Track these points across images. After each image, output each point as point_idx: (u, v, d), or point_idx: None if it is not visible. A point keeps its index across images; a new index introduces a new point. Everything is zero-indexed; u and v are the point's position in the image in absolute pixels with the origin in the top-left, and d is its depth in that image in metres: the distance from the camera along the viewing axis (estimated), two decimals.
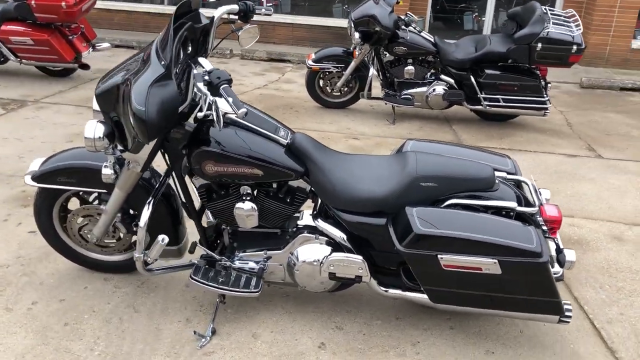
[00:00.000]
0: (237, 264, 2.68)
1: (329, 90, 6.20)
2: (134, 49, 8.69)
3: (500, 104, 5.68)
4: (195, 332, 2.61)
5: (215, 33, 2.68)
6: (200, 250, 2.75)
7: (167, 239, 2.53)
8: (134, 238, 2.87)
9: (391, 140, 5.40)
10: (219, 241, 2.82)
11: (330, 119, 5.93)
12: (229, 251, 2.73)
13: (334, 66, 5.97)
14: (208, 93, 2.16)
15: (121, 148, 2.47)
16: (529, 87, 5.60)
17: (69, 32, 6.51)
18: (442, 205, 2.48)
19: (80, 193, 2.85)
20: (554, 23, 5.42)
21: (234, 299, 2.82)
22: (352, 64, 5.86)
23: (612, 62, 8.94)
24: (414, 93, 5.84)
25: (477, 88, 5.65)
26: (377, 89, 6.08)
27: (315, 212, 2.67)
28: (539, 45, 5.39)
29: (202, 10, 2.69)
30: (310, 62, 5.97)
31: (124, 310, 2.77)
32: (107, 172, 2.48)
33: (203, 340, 2.58)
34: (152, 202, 2.53)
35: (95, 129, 2.34)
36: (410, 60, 5.85)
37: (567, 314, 2.45)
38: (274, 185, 2.59)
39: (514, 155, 5.03)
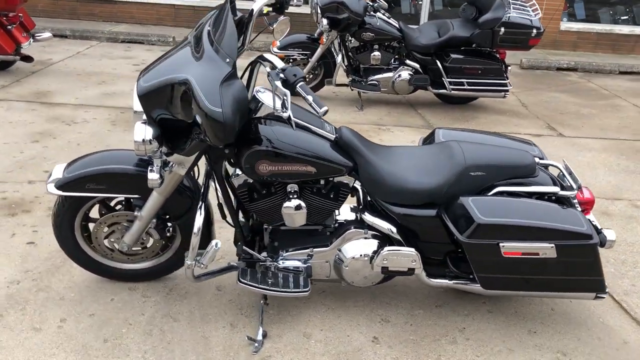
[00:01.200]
0: (282, 263, 2.61)
1: None
2: (68, 39, 8.18)
3: (465, 87, 5.84)
4: (248, 337, 2.53)
5: (253, 26, 2.57)
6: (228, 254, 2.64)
7: (220, 244, 2.42)
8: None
9: (365, 126, 5.42)
10: (255, 241, 2.73)
11: None
12: (270, 251, 2.66)
13: (300, 53, 5.90)
14: (288, 92, 2.08)
15: (165, 150, 2.33)
16: (491, 70, 5.79)
17: (6, 21, 6.01)
18: (490, 194, 2.53)
19: (105, 200, 2.66)
20: (514, 8, 5.62)
21: (273, 299, 2.75)
22: (319, 51, 5.81)
23: (542, 43, 9.39)
24: (380, 79, 5.88)
25: (442, 72, 5.77)
26: (340, 76, 6.06)
27: (360, 207, 2.64)
28: (502, 29, 5.58)
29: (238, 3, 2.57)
30: (275, 49, 5.85)
31: (161, 320, 2.64)
32: (153, 176, 2.33)
33: (256, 344, 2.51)
34: (202, 206, 2.41)
35: (145, 131, 2.19)
36: (376, 46, 5.88)
37: (606, 290, 2.58)
38: (321, 182, 2.54)
39: None
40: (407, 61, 5.89)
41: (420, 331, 2.68)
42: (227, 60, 2.11)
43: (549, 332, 2.73)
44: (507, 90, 5.89)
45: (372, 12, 5.72)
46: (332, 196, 2.57)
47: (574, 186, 2.62)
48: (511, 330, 2.73)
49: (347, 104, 6.07)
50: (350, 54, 5.96)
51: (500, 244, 2.38)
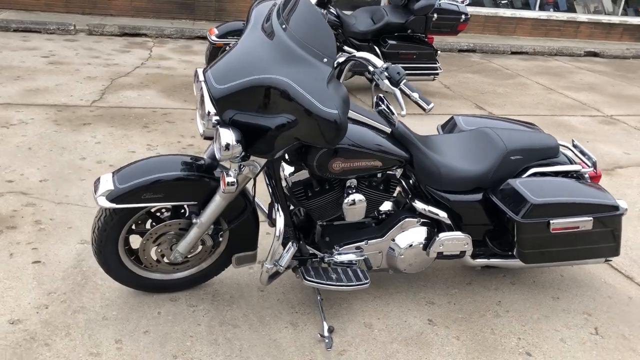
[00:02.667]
0: (338, 258, 2.64)
1: None
2: None
3: None
4: (320, 335, 2.53)
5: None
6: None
7: (296, 245, 2.39)
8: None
9: None
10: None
11: None
12: (324, 247, 2.66)
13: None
14: (396, 90, 2.09)
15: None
16: (425, 54, 6.08)
17: None
18: (526, 175, 2.74)
19: (151, 210, 2.51)
20: None
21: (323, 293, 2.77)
22: None
23: None
24: None
25: (381, 58, 5.96)
26: None
27: (409, 196, 2.73)
28: (435, 15, 5.88)
29: None
30: (213, 37, 5.68)
31: (221, 328, 2.55)
32: (231, 180, 2.23)
33: (326, 340, 2.52)
34: (278, 207, 2.36)
35: (231, 135, 2.10)
36: None
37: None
38: (378, 175, 2.59)
39: (429, 119, 5.48)
40: (345, 47, 5.99)
41: (465, 309, 2.85)
42: (325, 60, 2.08)
43: (568, 296, 3.02)
44: (438, 74, 6.23)
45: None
46: (383, 188, 2.63)
47: (589, 164, 2.91)
48: (538, 298, 2.98)
49: None
50: None
51: (551, 221, 2.60)
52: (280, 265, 2.43)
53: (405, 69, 6.00)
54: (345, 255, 2.65)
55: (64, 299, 2.62)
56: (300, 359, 2.43)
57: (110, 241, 2.45)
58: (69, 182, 3.69)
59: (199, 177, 2.41)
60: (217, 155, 2.17)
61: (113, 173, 2.42)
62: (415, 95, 2.11)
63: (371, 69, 2.20)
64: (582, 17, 10.90)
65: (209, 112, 2.17)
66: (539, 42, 9.78)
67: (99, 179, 2.41)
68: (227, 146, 2.10)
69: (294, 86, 2.02)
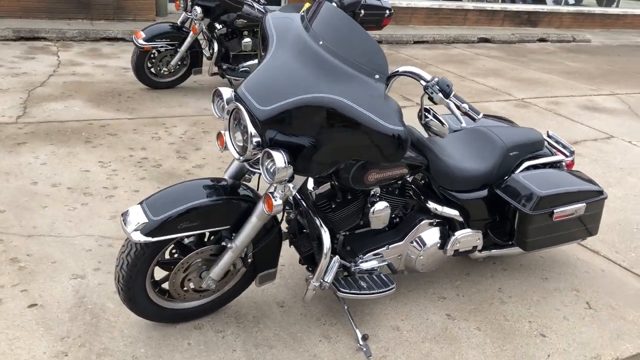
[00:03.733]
0: (363, 266, 2.67)
1: (159, 70, 5.73)
2: None
3: None
4: (360, 345, 2.55)
5: None
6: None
7: (338, 259, 2.39)
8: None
9: None
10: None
11: (174, 101, 5.54)
12: (346, 256, 2.68)
13: (168, 44, 5.54)
14: (450, 102, 2.13)
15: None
16: None
17: None
18: (520, 169, 2.93)
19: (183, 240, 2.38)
20: None
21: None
22: (189, 40, 5.54)
23: None
24: (252, 65, 5.86)
25: None
26: (205, 65, 5.84)
27: (422, 197, 2.80)
28: (362, 11, 6.00)
29: None
30: (140, 41, 5.41)
31: (257, 351, 2.50)
32: (279, 202, 2.18)
33: (364, 349, 2.56)
34: (320, 223, 2.34)
35: (284, 157, 2.05)
36: (246, 33, 5.82)
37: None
38: (399, 182, 2.64)
39: None
40: None
41: (474, 299, 3.00)
42: (377, 76, 2.08)
43: (554, 276, 3.28)
44: None
45: None
46: (399, 193, 2.69)
47: (567, 153, 3.16)
48: (530, 281, 3.21)
49: None
50: (220, 41, 5.79)
51: (555, 210, 2.80)
52: (326, 282, 2.42)
53: None
54: (369, 262, 2.68)
55: (81, 342, 2.42)
56: None
57: (140, 276, 2.30)
58: (29, 210, 3.37)
59: (229, 200, 2.32)
60: (267, 179, 2.11)
61: (141, 205, 2.26)
62: (466, 105, 2.18)
63: (423, 83, 2.23)
64: (469, 5, 11.59)
65: (251, 134, 2.10)
66: (435, 31, 10.27)
67: (127, 212, 2.25)
68: (280, 169, 2.04)
69: (350, 104, 2.01)
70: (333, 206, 2.53)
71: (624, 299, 3.13)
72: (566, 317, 2.93)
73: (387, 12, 6.18)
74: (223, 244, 2.41)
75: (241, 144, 2.24)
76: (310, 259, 2.64)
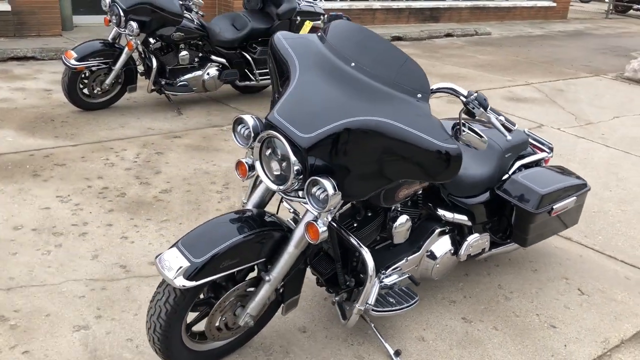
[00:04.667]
0: (387, 281, 2.66)
1: (92, 90, 5.39)
2: None
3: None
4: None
5: None
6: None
7: (378, 280, 2.37)
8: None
9: (208, 130, 5.23)
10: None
11: (114, 122, 5.24)
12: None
13: (102, 62, 5.23)
14: (492, 116, 2.15)
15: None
16: None
17: None
18: (513, 169, 3.05)
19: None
20: None
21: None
22: (124, 57, 5.25)
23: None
24: (190, 78, 5.68)
25: (253, 64, 5.89)
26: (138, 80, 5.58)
27: (431, 206, 2.83)
28: (298, 18, 5.97)
29: None
30: (73, 61, 5.05)
31: None
32: (324, 229, 2.11)
33: None
34: (360, 244, 2.29)
35: (332, 184, 2.00)
36: (182, 46, 5.62)
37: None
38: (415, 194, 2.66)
39: None
40: (214, 57, 5.79)
41: (481, 299, 3.09)
42: (420, 95, 2.07)
43: (541, 266, 3.45)
44: None
45: (186, 11, 5.42)
46: (413, 204, 2.72)
47: (547, 149, 3.33)
48: (523, 274, 3.35)
49: (159, 110, 5.66)
50: (149, 56, 5.53)
51: (554, 206, 2.94)
52: (370, 304, 2.38)
53: (262, 74, 6.03)
54: (391, 277, 2.67)
55: None
56: None
57: (177, 323, 2.15)
58: (0, 260, 3.06)
59: (263, 232, 2.23)
60: (316, 207, 2.05)
61: (177, 247, 2.11)
62: (502, 118, 2.22)
63: (463, 98, 2.24)
64: (376, 4, 11.87)
65: (293, 163, 2.02)
66: None
67: (161, 257, 2.09)
68: (331, 196, 1.99)
69: (399, 125, 1.99)
70: (355, 225, 2.50)
71: (607, 281, 3.35)
72: (567, 306, 3.08)
73: (322, 17, 6.18)
74: (251, 276, 2.30)
75: (278, 173, 2.15)
76: (331, 281, 2.59)
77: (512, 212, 2.99)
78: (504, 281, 3.26)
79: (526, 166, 3.12)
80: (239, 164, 2.35)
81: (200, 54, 5.77)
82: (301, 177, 2.07)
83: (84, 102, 5.38)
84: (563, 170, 3.17)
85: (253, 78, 5.96)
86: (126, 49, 5.21)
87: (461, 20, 13.24)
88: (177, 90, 5.61)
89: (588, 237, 3.82)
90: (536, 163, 3.21)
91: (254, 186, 2.68)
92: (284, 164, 2.11)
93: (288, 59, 2.29)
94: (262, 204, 2.40)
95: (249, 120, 2.24)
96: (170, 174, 4.25)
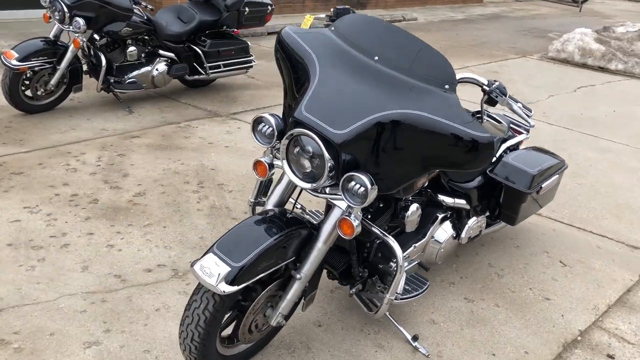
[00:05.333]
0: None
1: (36, 92, 5.08)
2: None
3: (222, 69, 5.96)
4: (414, 346, 2.61)
5: None
6: None
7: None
8: None
9: (166, 128, 5.07)
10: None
11: (63, 125, 4.97)
12: (382, 263, 2.69)
13: (45, 62, 4.94)
14: (513, 103, 2.21)
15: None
16: (241, 49, 6.07)
17: None
18: (500, 152, 3.18)
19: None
20: None
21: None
22: (69, 55, 4.98)
23: None
24: (139, 75, 5.47)
25: (203, 58, 5.75)
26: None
27: (429, 192, 2.89)
28: (247, 9, 5.89)
29: None
30: (14, 62, 4.74)
31: None
32: (357, 224, 2.11)
33: (420, 348, 2.62)
34: (386, 235, 2.32)
35: (369, 178, 2.01)
36: (129, 42, 5.40)
37: None
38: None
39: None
40: (162, 52, 5.61)
41: (476, 278, 3.21)
42: (447, 86, 2.10)
43: (522, 242, 3.62)
44: (252, 66, 6.27)
45: (134, 6, 5.20)
46: (418, 192, 2.77)
47: (525, 131, 3.48)
48: (508, 251, 3.51)
49: (109, 110, 5.41)
50: (96, 53, 5.28)
51: (542, 185, 3.09)
52: (399, 293, 2.42)
53: (226, 65, 5.94)
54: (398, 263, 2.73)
55: None
56: None
57: (215, 329, 2.11)
58: None
59: (292, 231, 2.21)
60: (353, 203, 2.06)
61: (214, 253, 2.05)
62: (520, 104, 2.30)
63: (486, 88, 2.29)
64: None
65: (327, 159, 2.01)
66: (281, 20, 10.33)
67: (199, 264, 2.03)
68: (370, 190, 2.00)
69: (432, 117, 2.02)
70: (369, 216, 2.53)
71: (583, 251, 3.57)
72: (554, 278, 3.26)
73: (269, 7, 6.13)
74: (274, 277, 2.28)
75: (308, 171, 2.14)
76: (345, 274, 2.61)
77: (501, 193, 3.11)
78: (493, 259, 3.40)
79: (510, 149, 3.25)
80: (257, 163, 2.32)
81: (148, 49, 5.56)
82: (333, 173, 2.07)
83: (27, 104, 5.06)
84: (543, 150, 3.34)
85: (203, 72, 5.81)
86: (72, 46, 4.94)
87: (387, 7, 13.47)
88: (126, 87, 5.39)
89: (556, 212, 4.04)
90: (517, 145, 3.35)
91: (262, 185, 2.66)
92: (315, 162, 2.09)
93: (304, 54, 2.26)
94: (282, 202, 2.38)
95: (271, 118, 2.21)
96: (139, 176, 4.09)
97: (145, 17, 5.45)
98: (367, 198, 2.01)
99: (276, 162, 2.32)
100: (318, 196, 2.23)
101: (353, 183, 2.04)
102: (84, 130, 4.87)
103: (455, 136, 2.03)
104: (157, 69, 5.54)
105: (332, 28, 2.36)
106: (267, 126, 2.22)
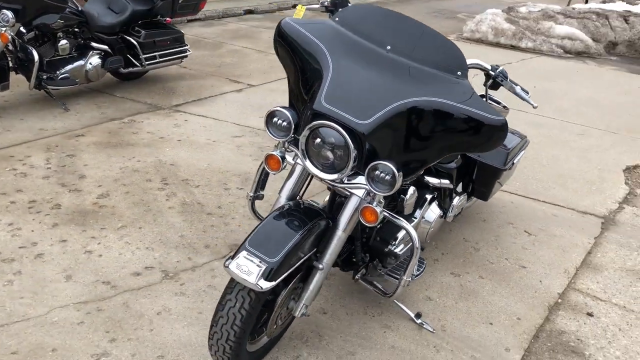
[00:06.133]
0: (397, 251, 2.79)
1: None
2: None
3: (158, 60, 5.77)
4: (419, 323, 2.71)
5: None
6: None
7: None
8: None
9: (109, 125, 4.86)
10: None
11: None
12: (381, 246, 2.76)
13: None
14: (515, 86, 2.31)
15: None
16: (176, 38, 5.90)
17: None
18: None
19: None
20: None
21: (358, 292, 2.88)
22: None
23: None
24: (72, 70, 5.19)
25: (139, 49, 5.54)
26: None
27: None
28: None
29: None
30: None
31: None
32: (380, 209, 2.16)
33: (425, 325, 2.73)
34: (399, 218, 2.37)
35: (395, 166, 2.07)
36: (60, 35, 5.09)
37: None
38: None
39: (217, 101, 5.52)
40: (94, 44, 5.34)
41: (456, 254, 3.37)
42: (459, 73, 2.17)
43: (487, 216, 3.83)
44: (187, 56, 6.11)
45: None
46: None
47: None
48: (477, 225, 3.70)
49: (43, 109, 5.08)
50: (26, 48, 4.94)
51: (514, 162, 3.28)
52: (415, 275, 2.50)
53: (162, 56, 5.77)
54: (399, 247, 2.81)
55: None
56: (427, 350, 2.60)
57: (249, 327, 2.09)
58: None
59: (315, 223, 2.22)
60: (380, 191, 2.10)
61: (247, 251, 2.03)
62: (519, 87, 2.42)
63: (492, 72, 2.38)
64: None
65: (352, 149, 2.05)
66: (210, 7, 10.09)
67: (237, 263, 2.00)
68: (398, 178, 2.06)
69: (450, 103, 2.09)
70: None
71: (542, 220, 3.83)
72: (524, 247, 3.49)
73: None
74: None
75: (329, 162, 2.16)
76: (346, 261, 2.67)
77: (474, 171, 3.27)
78: (466, 234, 3.57)
79: None
80: (269, 157, 2.30)
81: (80, 42, 5.27)
82: (355, 163, 2.10)
83: None
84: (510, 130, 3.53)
85: (139, 64, 5.60)
86: None
87: None
88: (59, 84, 5.09)
89: (509, 185, 4.29)
90: None
91: (260, 179, 2.64)
92: (338, 152, 2.11)
93: (310, 45, 2.27)
94: (294, 195, 2.39)
95: (286, 112, 2.20)
96: (97, 177, 3.91)
97: (77, 8, 5.15)
98: (395, 185, 2.06)
99: (287, 155, 2.32)
100: (336, 186, 2.25)
101: (378, 172, 2.09)
102: (20, 132, 4.56)
103: (475, 121, 2.12)
104: (90, 63, 5.27)
105: (337, 19, 2.37)
106: (281, 119, 2.21)
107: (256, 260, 2.00)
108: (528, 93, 2.54)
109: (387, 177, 2.07)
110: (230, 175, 4.07)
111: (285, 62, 2.40)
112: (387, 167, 2.05)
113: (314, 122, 2.10)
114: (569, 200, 4.14)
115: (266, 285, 1.97)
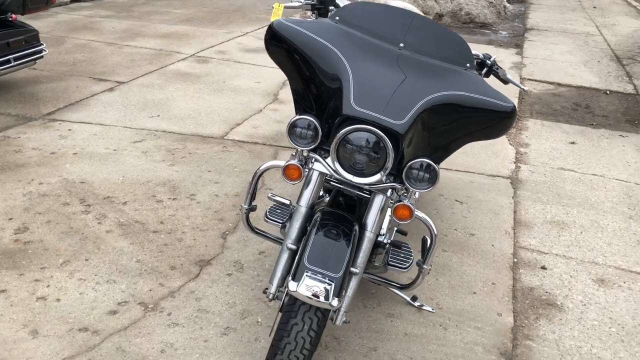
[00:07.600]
0: (385, 239, 2.84)
1: None
2: None
3: (12, 64, 5.06)
4: (418, 306, 2.81)
5: None
6: None
7: None
8: None
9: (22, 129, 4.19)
10: None
11: None
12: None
13: None
14: (507, 73, 2.40)
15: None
16: (31, 37, 5.22)
17: None
18: None
19: None
20: None
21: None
22: None
23: None
24: None
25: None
26: None
27: None
28: None
29: None
30: None
31: (370, 356, 2.51)
32: (414, 205, 2.18)
33: (424, 307, 2.84)
34: (424, 214, 2.41)
35: (433, 163, 2.10)
36: None
37: None
38: None
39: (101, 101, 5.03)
40: None
41: (411, 232, 3.49)
42: (468, 65, 2.23)
43: (434, 192, 4.02)
44: (42, 56, 5.45)
45: None
46: None
47: None
48: (456, 210, 3.87)
49: None
50: None
51: None
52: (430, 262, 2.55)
53: (18, 58, 5.08)
54: (386, 234, 2.87)
55: None
56: (437, 331, 2.71)
57: (316, 348, 2.01)
58: None
59: (353, 229, 2.19)
60: (420, 189, 2.12)
61: (309, 270, 1.92)
62: (510, 75, 2.54)
63: (488, 62, 2.45)
64: None
65: (390, 152, 2.04)
66: None
67: (304, 286, 1.89)
68: (438, 175, 2.10)
69: (469, 95, 2.16)
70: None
71: (464, 188, 4.14)
72: (463, 215, 3.75)
73: None
74: None
75: (360, 166, 2.11)
76: None
77: None
78: (455, 222, 3.71)
79: None
80: (288, 167, 2.19)
81: None
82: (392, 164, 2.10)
83: None
84: None
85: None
86: None
87: None
88: None
89: None
90: None
91: (255, 186, 2.51)
92: (372, 155, 2.08)
93: (315, 46, 2.18)
94: (314, 203, 2.30)
95: (312, 119, 2.11)
96: (2, 210, 3.36)
97: None
98: (436, 181, 2.09)
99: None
100: (363, 188, 2.22)
101: (416, 170, 2.10)
102: None
103: (492, 109, 2.21)
104: None
105: (337, 18, 2.29)
106: (304, 129, 2.11)
107: (322, 278, 1.91)
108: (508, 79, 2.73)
109: (426, 175, 2.09)
110: (154, 186, 3.76)
111: (285, 65, 2.27)
112: (426, 163, 2.07)
113: (351, 127, 2.03)
114: (477, 167, 4.50)
115: (336, 302, 1.90)
